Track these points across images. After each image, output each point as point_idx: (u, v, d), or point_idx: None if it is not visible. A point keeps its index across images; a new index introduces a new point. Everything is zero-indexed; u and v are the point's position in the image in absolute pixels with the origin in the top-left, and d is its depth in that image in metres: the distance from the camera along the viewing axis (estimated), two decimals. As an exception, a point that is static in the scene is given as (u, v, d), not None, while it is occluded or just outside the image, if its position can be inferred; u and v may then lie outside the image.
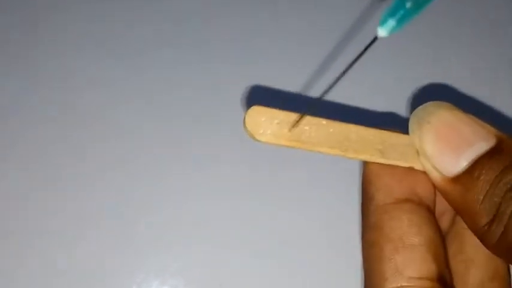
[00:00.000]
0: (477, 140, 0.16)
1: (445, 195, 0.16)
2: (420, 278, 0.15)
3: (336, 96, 0.35)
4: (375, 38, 0.15)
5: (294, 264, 0.33)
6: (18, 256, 0.32)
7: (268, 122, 0.16)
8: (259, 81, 0.37)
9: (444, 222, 0.19)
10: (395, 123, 0.35)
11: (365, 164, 0.18)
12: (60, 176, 0.34)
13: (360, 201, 0.18)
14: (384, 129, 0.17)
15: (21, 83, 0.36)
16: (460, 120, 0.16)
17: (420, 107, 0.17)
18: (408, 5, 0.14)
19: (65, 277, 0.32)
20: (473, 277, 0.18)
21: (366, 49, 0.15)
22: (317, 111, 0.16)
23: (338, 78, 0.15)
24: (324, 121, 0.17)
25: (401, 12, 0.14)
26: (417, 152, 0.17)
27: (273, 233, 0.34)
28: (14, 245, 0.32)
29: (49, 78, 0.36)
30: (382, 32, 0.14)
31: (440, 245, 0.17)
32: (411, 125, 0.17)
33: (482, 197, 0.15)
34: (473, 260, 0.18)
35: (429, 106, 0.17)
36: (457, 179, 0.16)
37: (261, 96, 0.36)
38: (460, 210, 0.16)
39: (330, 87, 0.16)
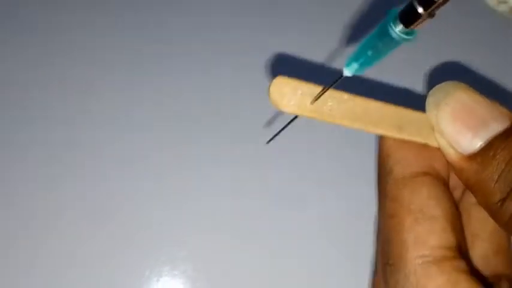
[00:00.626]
0: (492, 121, 0.16)
1: (459, 173, 0.17)
2: (441, 247, 0.16)
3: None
4: (341, 76, 0.16)
5: (294, 250, 0.34)
6: (40, 243, 0.32)
7: (292, 93, 0.17)
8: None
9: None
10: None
11: (382, 139, 0.18)
12: (84, 174, 0.35)
13: (377, 176, 0.19)
14: (402, 107, 0.18)
15: (37, 87, 0.37)
16: (476, 101, 0.17)
17: (437, 87, 0.17)
18: (369, 53, 0.16)
19: (86, 262, 0.32)
20: (479, 250, 0.19)
21: (331, 85, 0.17)
22: (338, 85, 0.17)
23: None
24: (345, 95, 0.17)
25: (363, 59, 0.16)
26: (433, 130, 0.17)
27: (275, 224, 0.34)
28: (36, 231, 0.33)
29: (65, 85, 0.37)
30: (347, 72, 0.16)
31: (457, 217, 0.17)
32: (428, 105, 0.18)
33: (497, 176, 0.15)
34: (478, 234, 0.19)
35: (446, 86, 0.17)
36: (472, 157, 0.16)
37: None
38: (473, 187, 0.16)
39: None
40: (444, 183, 0.18)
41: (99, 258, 0.32)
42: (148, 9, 0.39)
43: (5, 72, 0.36)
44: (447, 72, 0.37)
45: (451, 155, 0.17)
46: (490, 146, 0.16)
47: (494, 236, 0.19)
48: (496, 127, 0.16)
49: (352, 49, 0.16)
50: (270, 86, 0.17)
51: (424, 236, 0.16)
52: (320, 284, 0.33)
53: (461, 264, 0.16)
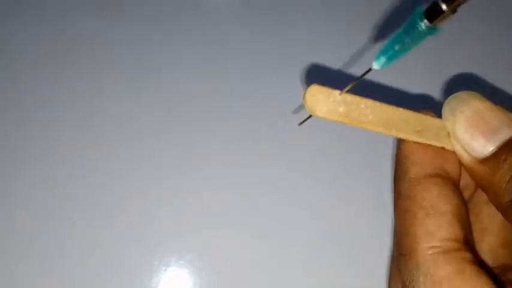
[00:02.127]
0: (503, 128, 0.18)
1: (473, 174, 0.19)
2: (449, 240, 0.17)
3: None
4: (370, 69, 0.18)
5: (296, 242, 0.36)
6: (56, 235, 0.33)
7: (325, 100, 0.18)
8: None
9: (465, 196, 0.22)
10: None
11: (401, 142, 0.20)
12: (99, 172, 0.36)
13: (393, 175, 0.21)
14: (422, 113, 0.19)
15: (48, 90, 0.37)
16: (488, 109, 0.18)
17: (452, 96, 0.19)
18: (396, 47, 0.17)
19: (101, 254, 0.33)
20: (487, 243, 0.20)
21: (361, 77, 0.18)
22: (364, 92, 0.19)
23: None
24: (372, 102, 0.19)
25: (390, 52, 0.17)
26: (449, 135, 0.19)
27: (275, 218, 0.36)
28: (52, 223, 0.33)
29: (75, 87, 0.37)
30: (375, 65, 0.18)
31: (465, 213, 0.19)
32: (445, 112, 0.19)
33: (508, 178, 0.17)
34: (487, 229, 0.21)
35: (461, 95, 0.19)
36: (484, 161, 0.18)
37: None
38: (485, 188, 0.18)
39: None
40: (454, 183, 0.19)
41: (112, 250, 0.33)
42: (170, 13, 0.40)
43: (16, 74, 0.36)
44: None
45: (465, 158, 0.18)
46: (500, 151, 0.17)
47: (502, 230, 0.20)
48: (507, 133, 0.17)
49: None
50: (305, 93, 0.18)
51: (434, 229, 0.18)
52: (320, 274, 0.35)
53: (467, 255, 0.17)
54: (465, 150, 0.18)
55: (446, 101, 0.19)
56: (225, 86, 0.39)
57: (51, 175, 0.35)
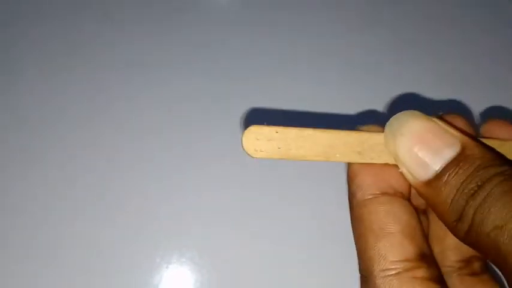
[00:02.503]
0: (444, 148, 0.17)
1: (420, 195, 0.19)
2: (400, 261, 0.18)
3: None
4: None
5: (296, 240, 0.36)
6: (59, 234, 0.36)
7: (261, 141, 0.18)
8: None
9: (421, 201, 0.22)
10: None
11: (348, 165, 0.20)
12: (101, 173, 0.37)
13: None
14: (363, 131, 0.19)
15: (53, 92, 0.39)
16: (429, 129, 0.18)
17: (394, 117, 0.19)
18: None
19: (104, 252, 0.36)
20: (451, 241, 0.21)
21: None
22: (303, 124, 0.18)
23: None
24: (309, 132, 0.18)
25: None
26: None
27: (273, 217, 0.36)
28: (56, 222, 0.36)
29: (81, 89, 0.39)
30: None
31: (417, 227, 0.19)
32: (386, 136, 0.19)
33: (450, 200, 0.17)
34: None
35: (401, 116, 0.18)
36: (428, 183, 0.18)
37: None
38: (433, 208, 0.18)
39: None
40: (403, 196, 0.19)
41: (115, 248, 0.36)
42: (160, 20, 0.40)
43: (18, 77, 0.38)
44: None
45: (411, 180, 0.18)
46: (442, 173, 0.17)
47: None
48: (448, 154, 0.17)
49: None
50: (242, 138, 0.18)
51: (385, 252, 0.18)
52: (322, 271, 0.36)
53: (420, 272, 0.18)
54: (409, 173, 0.18)
55: (388, 122, 0.19)
56: (225, 86, 0.39)
57: (52, 175, 0.37)
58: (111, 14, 0.40)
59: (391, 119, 0.19)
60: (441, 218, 0.18)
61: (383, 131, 0.19)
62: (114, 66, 0.39)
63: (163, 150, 0.38)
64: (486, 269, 0.22)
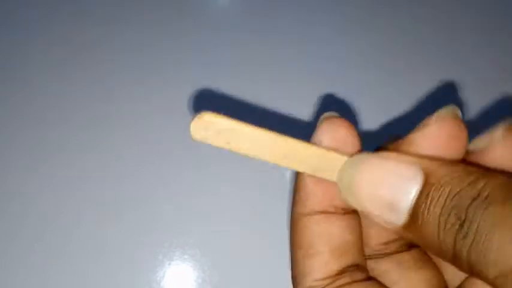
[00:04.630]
0: (406, 186, 0.15)
1: (407, 240, 0.18)
2: (322, 279, 0.17)
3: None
4: None
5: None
6: (65, 232, 0.38)
7: (210, 132, 0.18)
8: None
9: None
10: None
11: (298, 172, 0.19)
12: (106, 172, 0.39)
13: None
14: (322, 147, 0.18)
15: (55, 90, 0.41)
16: (384, 170, 0.16)
17: (345, 167, 0.17)
18: None
19: (107, 249, 0.37)
20: (375, 237, 0.20)
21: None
22: (255, 120, 0.18)
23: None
24: (266, 135, 0.18)
25: None
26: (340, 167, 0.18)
27: (275, 215, 0.36)
28: (62, 219, 0.38)
29: (84, 90, 0.41)
30: None
31: (352, 240, 0.18)
32: (343, 190, 0.17)
33: (437, 240, 0.15)
34: (370, 229, 0.19)
35: (347, 169, 0.17)
36: (407, 227, 0.16)
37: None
38: (428, 250, 0.16)
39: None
40: (345, 213, 0.18)
41: (119, 245, 0.37)
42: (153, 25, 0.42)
43: (27, 80, 0.41)
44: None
45: (390, 228, 0.16)
46: (415, 213, 0.15)
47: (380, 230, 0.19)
48: (412, 190, 0.15)
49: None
50: (191, 123, 0.18)
51: (309, 270, 0.18)
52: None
53: (340, 281, 0.17)
54: (383, 221, 0.16)
55: (340, 176, 0.17)
56: (226, 87, 0.40)
57: (60, 175, 0.38)
58: (115, 19, 0.42)
59: (337, 174, 0.17)
60: (434, 252, 0.16)
61: (343, 152, 0.18)
62: (115, 69, 0.41)
63: (167, 149, 0.39)
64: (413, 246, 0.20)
